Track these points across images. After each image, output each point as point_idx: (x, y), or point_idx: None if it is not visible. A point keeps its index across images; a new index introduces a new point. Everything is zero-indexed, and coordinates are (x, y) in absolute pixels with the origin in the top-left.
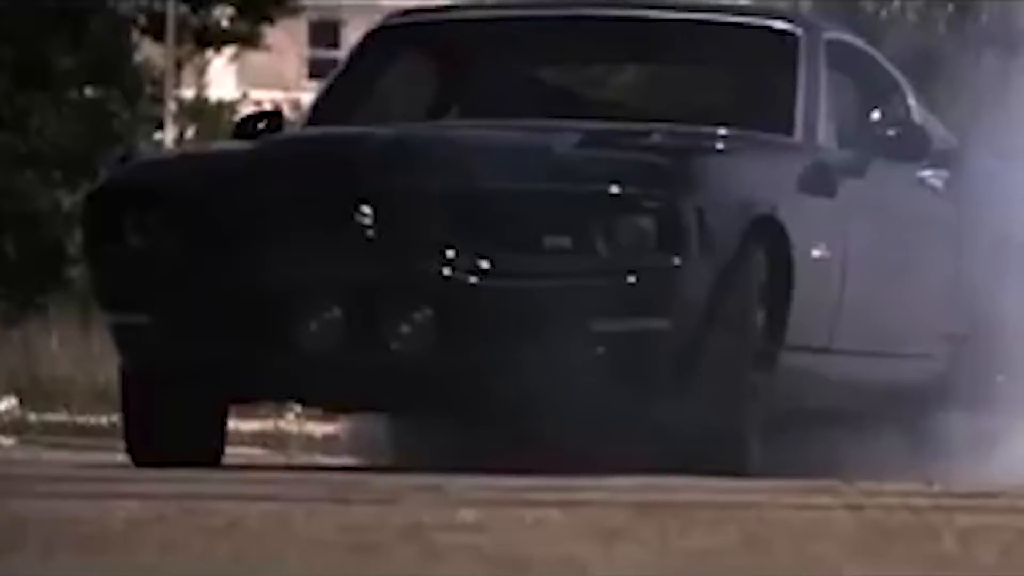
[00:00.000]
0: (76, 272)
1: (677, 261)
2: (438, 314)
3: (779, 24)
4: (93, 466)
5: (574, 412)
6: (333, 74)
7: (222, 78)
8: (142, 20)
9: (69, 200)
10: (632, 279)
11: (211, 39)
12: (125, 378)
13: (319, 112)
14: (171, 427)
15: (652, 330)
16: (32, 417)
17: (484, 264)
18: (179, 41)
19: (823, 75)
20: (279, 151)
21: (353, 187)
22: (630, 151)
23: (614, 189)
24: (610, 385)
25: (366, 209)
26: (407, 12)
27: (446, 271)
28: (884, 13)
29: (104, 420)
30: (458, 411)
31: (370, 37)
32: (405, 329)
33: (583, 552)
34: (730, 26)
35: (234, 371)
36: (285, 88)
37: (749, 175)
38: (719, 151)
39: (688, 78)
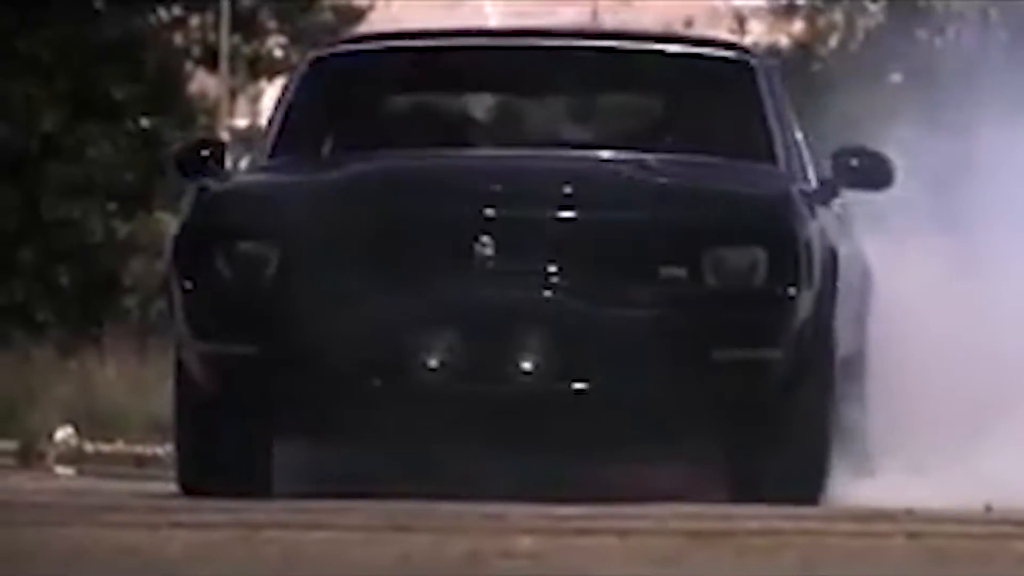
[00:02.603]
0: (131, 302)
1: (792, 292)
2: (557, 345)
3: (736, 53)
4: (149, 495)
5: (688, 440)
6: (286, 101)
7: None
8: (196, 51)
9: (124, 230)
10: (750, 309)
11: (264, 69)
12: (183, 407)
13: (284, 140)
14: (233, 457)
15: (767, 360)
16: (88, 447)
17: (605, 294)
18: (232, 71)
19: (784, 104)
20: (382, 180)
21: (471, 216)
22: (738, 183)
23: (732, 219)
24: (722, 413)
25: (485, 239)
26: (348, 40)
27: (564, 301)
28: (938, 41)
29: (160, 450)
30: (575, 441)
31: (316, 65)
32: (523, 361)
33: None
34: (687, 56)
35: (340, 404)
36: None
37: (819, 207)
38: (802, 184)
39: (649, 108)
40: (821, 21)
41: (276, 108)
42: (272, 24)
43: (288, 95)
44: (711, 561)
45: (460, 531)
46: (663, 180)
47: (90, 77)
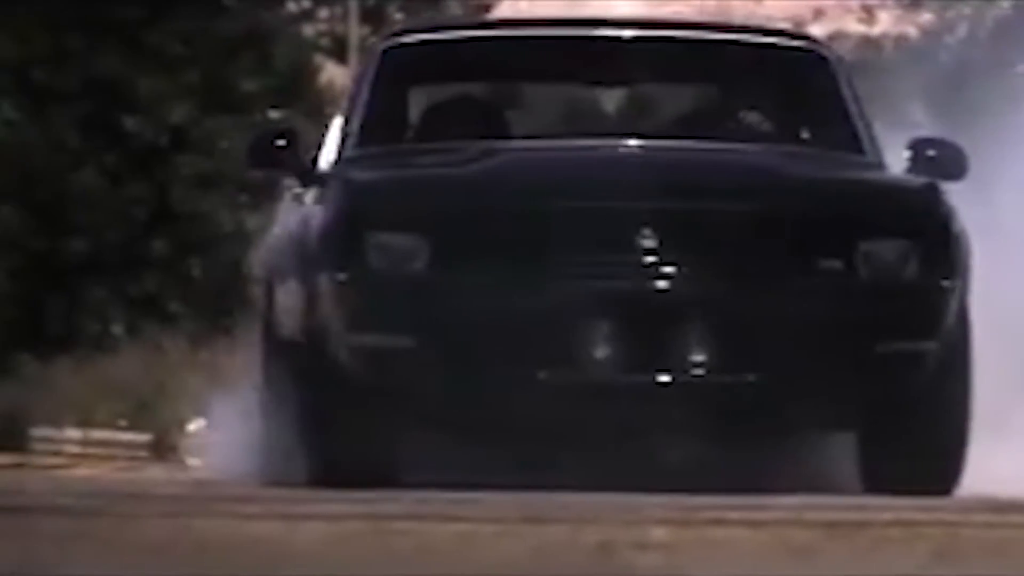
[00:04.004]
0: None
1: (947, 284)
2: (725, 337)
3: (811, 44)
4: (279, 486)
5: (835, 431)
6: (366, 89)
7: None
8: (325, 43)
9: (253, 221)
10: (910, 301)
11: None
12: (319, 399)
13: (372, 129)
14: (373, 449)
15: (923, 351)
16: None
17: (767, 287)
18: (361, 63)
19: (857, 94)
20: (542, 172)
21: (634, 209)
22: (890, 176)
23: (891, 212)
24: (870, 405)
25: (647, 231)
26: (414, 30)
27: (729, 292)
28: None
29: None
30: (730, 433)
31: (391, 53)
32: (690, 353)
33: (773, 571)
34: (764, 47)
35: (503, 396)
36: None
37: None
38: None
39: (726, 98)
40: (950, 12)
41: (354, 96)
42: (400, 16)
43: (366, 83)
44: (845, 553)
45: (593, 522)
46: (817, 174)
47: (219, 70)
